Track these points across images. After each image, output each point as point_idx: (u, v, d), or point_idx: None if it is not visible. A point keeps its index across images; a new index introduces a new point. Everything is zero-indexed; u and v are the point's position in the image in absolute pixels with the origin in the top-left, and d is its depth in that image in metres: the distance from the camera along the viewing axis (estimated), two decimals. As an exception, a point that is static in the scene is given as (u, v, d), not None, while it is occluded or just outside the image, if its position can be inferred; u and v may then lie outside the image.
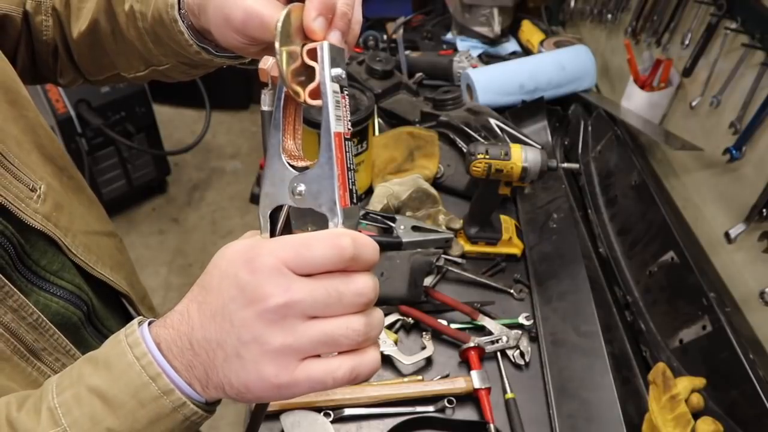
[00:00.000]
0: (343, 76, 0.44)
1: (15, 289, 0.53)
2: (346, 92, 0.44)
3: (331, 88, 0.43)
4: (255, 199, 2.07)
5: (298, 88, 0.44)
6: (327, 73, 0.43)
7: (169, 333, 0.43)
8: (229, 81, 3.44)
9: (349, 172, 0.43)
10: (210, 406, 0.45)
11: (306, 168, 0.44)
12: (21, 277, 0.57)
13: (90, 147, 2.46)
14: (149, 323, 0.45)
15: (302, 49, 0.44)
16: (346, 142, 0.43)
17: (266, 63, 0.46)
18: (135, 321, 0.45)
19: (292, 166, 0.44)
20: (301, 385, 0.40)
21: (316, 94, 0.44)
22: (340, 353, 0.41)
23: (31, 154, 0.63)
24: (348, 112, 0.44)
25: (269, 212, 0.45)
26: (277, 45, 0.43)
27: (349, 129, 0.44)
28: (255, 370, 0.40)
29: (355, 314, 0.41)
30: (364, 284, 0.41)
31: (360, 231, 0.44)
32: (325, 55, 0.43)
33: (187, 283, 2.62)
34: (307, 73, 0.45)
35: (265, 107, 0.46)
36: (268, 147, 0.45)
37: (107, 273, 0.71)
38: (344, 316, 0.40)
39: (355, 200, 0.44)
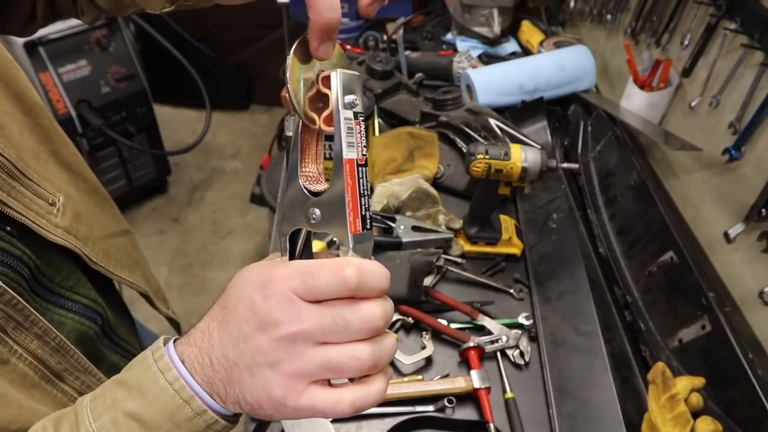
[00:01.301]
0: (357, 102, 0.44)
1: (39, 316, 0.54)
2: (361, 118, 0.45)
3: (343, 116, 0.43)
4: (255, 199, 2.07)
5: (314, 115, 0.45)
6: (340, 100, 0.43)
7: (192, 351, 0.45)
8: (229, 81, 3.45)
9: (362, 198, 0.44)
10: (235, 417, 0.47)
11: (321, 193, 0.45)
12: (36, 297, 0.57)
13: (91, 147, 2.46)
14: (174, 341, 0.46)
15: (317, 76, 0.45)
16: (360, 169, 0.44)
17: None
18: (160, 341, 0.46)
19: (309, 191, 0.45)
20: (304, 410, 0.42)
21: (331, 120, 0.44)
22: (349, 380, 0.43)
23: (48, 164, 0.64)
24: (363, 138, 0.45)
25: (289, 234, 0.46)
26: (287, 76, 0.44)
27: (363, 155, 0.44)
28: (265, 390, 0.42)
29: (363, 341, 0.42)
30: (371, 312, 0.41)
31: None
32: (338, 83, 0.43)
33: (187, 283, 2.63)
34: (323, 100, 0.45)
35: (289, 132, 0.47)
36: (289, 170, 0.46)
37: (126, 275, 0.72)
38: (351, 344, 0.41)
39: (368, 225, 0.44)
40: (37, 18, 0.72)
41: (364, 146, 0.45)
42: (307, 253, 0.47)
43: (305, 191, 0.45)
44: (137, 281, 0.75)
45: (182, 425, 0.44)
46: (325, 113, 0.45)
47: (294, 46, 0.44)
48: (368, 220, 0.44)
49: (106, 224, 0.73)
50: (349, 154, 0.43)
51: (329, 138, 0.45)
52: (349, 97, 0.44)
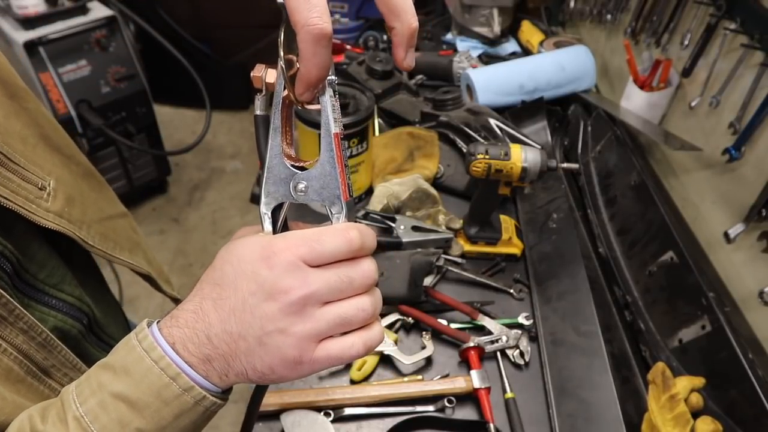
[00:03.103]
0: (335, 79, 0.47)
1: (24, 311, 0.53)
2: (337, 95, 0.48)
3: (328, 94, 0.46)
4: (255, 199, 2.06)
5: (294, 94, 0.47)
6: (326, 79, 0.46)
7: (183, 332, 0.45)
8: (229, 81, 3.45)
9: (346, 168, 0.47)
10: (225, 394, 0.48)
11: (303, 167, 0.48)
12: (17, 293, 0.56)
13: (91, 147, 2.46)
14: (157, 323, 0.47)
15: (297, 58, 0.47)
16: (342, 141, 0.47)
17: (260, 71, 0.48)
18: (144, 323, 0.47)
19: (294, 166, 0.48)
20: (322, 362, 0.45)
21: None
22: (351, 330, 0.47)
23: (37, 148, 0.63)
24: (339, 113, 0.48)
25: (271, 210, 0.48)
26: (281, 53, 0.45)
27: (342, 129, 0.48)
28: (279, 355, 0.44)
29: (363, 295, 0.46)
30: (369, 267, 0.46)
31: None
32: None
33: (187, 283, 2.62)
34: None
35: (258, 111, 0.50)
36: (269, 149, 0.48)
37: (126, 257, 0.72)
38: (354, 298, 0.46)
39: (351, 194, 0.48)
40: None
41: (341, 121, 0.48)
42: (285, 227, 0.50)
43: (290, 166, 0.47)
44: (138, 263, 0.75)
45: (170, 402, 0.44)
46: None
47: (285, 25, 0.46)
48: (350, 189, 0.48)
49: (102, 207, 0.72)
50: (335, 128, 0.46)
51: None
52: (331, 77, 0.46)
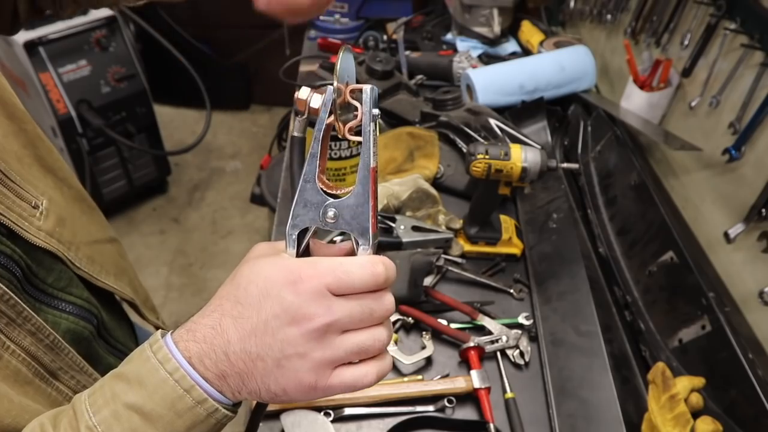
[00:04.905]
0: (379, 115, 0.48)
1: (32, 313, 0.54)
2: (377, 129, 0.48)
3: (371, 127, 0.46)
4: (255, 199, 2.07)
5: (339, 123, 0.48)
6: (369, 113, 0.46)
7: (200, 347, 0.45)
8: (229, 81, 3.45)
9: (376, 201, 0.48)
10: (235, 407, 0.48)
11: (337, 195, 0.48)
12: (29, 297, 0.57)
13: (91, 147, 2.46)
14: (171, 334, 0.47)
15: (346, 87, 0.48)
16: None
17: (305, 94, 0.49)
18: (157, 334, 0.47)
19: (327, 193, 0.48)
20: (335, 389, 0.46)
21: (355, 129, 0.48)
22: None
23: (32, 168, 0.64)
24: (377, 146, 0.48)
25: (297, 233, 0.48)
26: (335, 85, 0.46)
27: (377, 162, 0.48)
28: (295, 378, 0.45)
29: (380, 325, 0.47)
30: (390, 300, 0.47)
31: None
32: (371, 97, 0.47)
33: (187, 284, 2.63)
34: (347, 109, 0.49)
35: (296, 133, 0.50)
36: (304, 173, 0.48)
37: (111, 282, 0.72)
38: (371, 328, 0.47)
39: (377, 226, 0.49)
40: (20, 17, 0.72)
41: (376, 154, 0.49)
42: (306, 249, 0.50)
43: (323, 193, 0.48)
44: (123, 288, 0.75)
45: (183, 414, 0.44)
46: (353, 123, 0.48)
47: (346, 50, 0.47)
48: (377, 221, 0.49)
49: (91, 231, 0.73)
50: (373, 162, 0.47)
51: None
52: (375, 111, 0.47)
